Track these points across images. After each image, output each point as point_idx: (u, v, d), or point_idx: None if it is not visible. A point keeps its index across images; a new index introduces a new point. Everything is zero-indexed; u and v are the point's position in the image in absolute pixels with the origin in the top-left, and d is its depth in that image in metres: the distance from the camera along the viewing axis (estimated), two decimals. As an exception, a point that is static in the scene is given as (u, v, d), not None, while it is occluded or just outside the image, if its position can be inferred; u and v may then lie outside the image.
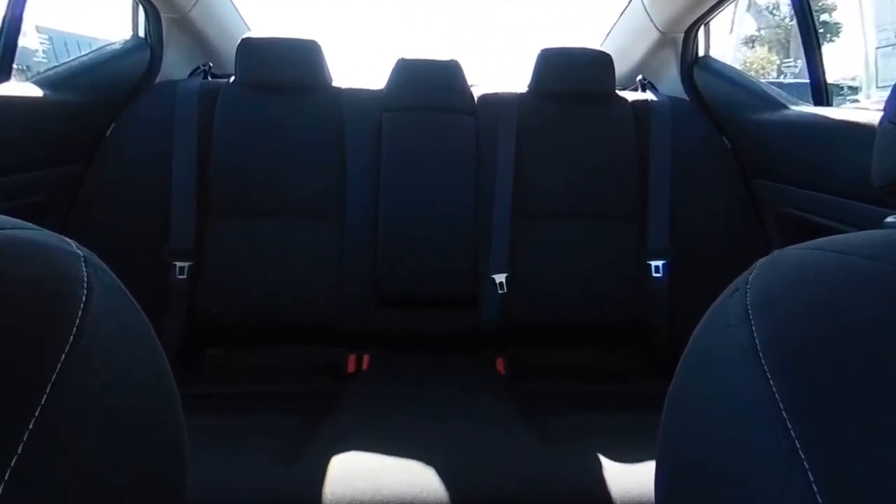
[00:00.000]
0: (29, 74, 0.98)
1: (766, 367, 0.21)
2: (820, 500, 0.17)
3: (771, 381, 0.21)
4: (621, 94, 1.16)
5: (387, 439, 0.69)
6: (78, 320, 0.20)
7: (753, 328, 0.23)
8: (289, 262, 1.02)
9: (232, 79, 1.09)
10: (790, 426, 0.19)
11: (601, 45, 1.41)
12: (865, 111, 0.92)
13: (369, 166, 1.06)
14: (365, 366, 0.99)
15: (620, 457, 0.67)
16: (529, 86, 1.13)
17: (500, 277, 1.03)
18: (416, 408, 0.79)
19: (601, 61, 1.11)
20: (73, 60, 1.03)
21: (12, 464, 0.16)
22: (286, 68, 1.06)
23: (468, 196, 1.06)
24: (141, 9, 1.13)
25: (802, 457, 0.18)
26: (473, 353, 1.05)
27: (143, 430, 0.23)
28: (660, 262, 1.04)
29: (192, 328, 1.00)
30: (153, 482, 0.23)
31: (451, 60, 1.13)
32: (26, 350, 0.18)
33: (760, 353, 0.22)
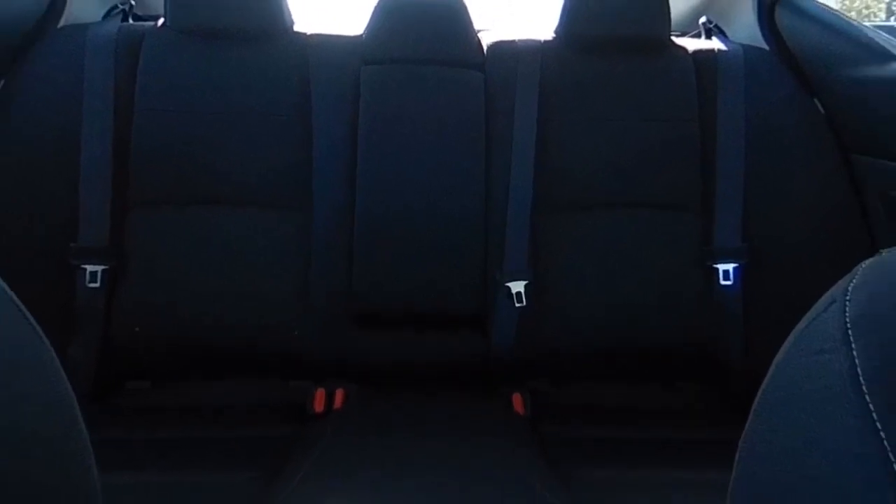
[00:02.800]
0: None
1: (871, 406, 0.21)
2: None
3: (878, 424, 0.21)
4: (679, 41, 1.16)
5: (365, 503, 0.69)
6: None
7: (855, 353, 0.23)
8: (236, 267, 1.02)
9: (161, 22, 1.09)
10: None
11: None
12: None
13: (343, 137, 1.06)
14: (337, 404, 0.99)
15: None
16: (556, 31, 1.14)
17: (517, 287, 1.02)
18: (405, 460, 0.79)
19: (654, 3, 1.11)
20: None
21: None
22: (233, 8, 1.06)
23: (476, 180, 1.06)
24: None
25: None
26: (482, 388, 1.05)
27: (41, 491, 0.23)
28: (730, 266, 1.04)
29: (107, 353, 1.00)
30: None
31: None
32: None
33: (864, 387, 0.22)
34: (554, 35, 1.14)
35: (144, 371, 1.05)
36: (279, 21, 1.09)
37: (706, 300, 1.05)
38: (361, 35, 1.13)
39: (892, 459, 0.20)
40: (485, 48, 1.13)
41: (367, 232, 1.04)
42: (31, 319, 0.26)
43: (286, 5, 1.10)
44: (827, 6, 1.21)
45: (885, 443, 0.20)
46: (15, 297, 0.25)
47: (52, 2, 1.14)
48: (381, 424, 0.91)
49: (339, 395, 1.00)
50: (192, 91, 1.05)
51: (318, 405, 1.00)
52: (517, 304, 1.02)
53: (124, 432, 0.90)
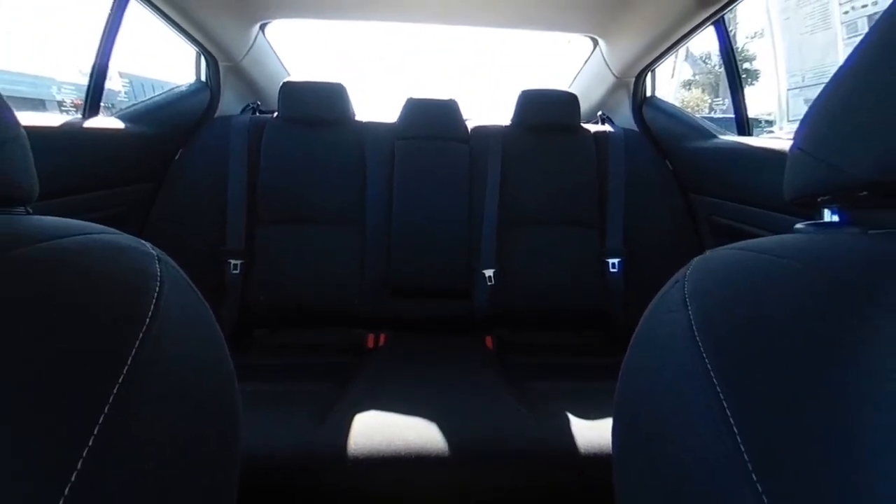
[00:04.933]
0: (113, 111, 0.97)
1: (700, 346, 0.21)
2: (746, 456, 0.17)
3: (704, 357, 0.20)
4: (585, 126, 1.15)
5: (398, 402, 0.68)
6: (152, 308, 0.20)
7: (690, 314, 0.23)
8: (320, 260, 1.01)
9: (276, 114, 1.09)
10: (720, 393, 0.19)
11: (569, 86, 1.41)
12: (779, 140, 0.92)
13: (384, 183, 1.06)
14: (381, 343, 0.99)
15: (585, 415, 0.67)
16: (512, 120, 1.13)
17: (489, 272, 1.02)
18: (423, 377, 0.79)
19: (569, 100, 1.11)
20: (148, 100, 1.02)
21: (97, 427, 0.16)
22: (319, 106, 1.06)
23: (463, 207, 1.06)
24: (203, 58, 1.13)
25: (730, 418, 0.18)
26: (468, 333, 1.04)
27: (207, 397, 0.23)
28: (615, 260, 1.03)
29: (243, 313, 0.99)
30: (214, 439, 0.23)
31: (450, 100, 1.13)
32: (109, 333, 0.18)
33: (696, 334, 0.21)
34: (511, 122, 1.14)
35: (265, 323, 1.05)
36: (346, 114, 1.08)
37: (602, 281, 1.04)
38: (395, 122, 1.13)
39: (713, 375, 0.20)
40: (469, 129, 1.13)
41: (399, 240, 1.04)
42: (198, 293, 0.26)
43: (351, 104, 1.09)
44: (674, 104, 1.21)
45: (709, 367, 0.20)
46: (189, 280, 0.25)
47: (210, 102, 1.14)
48: (407, 356, 0.90)
49: (382, 337, 1.00)
50: (295, 156, 1.04)
51: (370, 343, 0.99)
52: (489, 284, 1.02)
53: (253, 360, 0.89)
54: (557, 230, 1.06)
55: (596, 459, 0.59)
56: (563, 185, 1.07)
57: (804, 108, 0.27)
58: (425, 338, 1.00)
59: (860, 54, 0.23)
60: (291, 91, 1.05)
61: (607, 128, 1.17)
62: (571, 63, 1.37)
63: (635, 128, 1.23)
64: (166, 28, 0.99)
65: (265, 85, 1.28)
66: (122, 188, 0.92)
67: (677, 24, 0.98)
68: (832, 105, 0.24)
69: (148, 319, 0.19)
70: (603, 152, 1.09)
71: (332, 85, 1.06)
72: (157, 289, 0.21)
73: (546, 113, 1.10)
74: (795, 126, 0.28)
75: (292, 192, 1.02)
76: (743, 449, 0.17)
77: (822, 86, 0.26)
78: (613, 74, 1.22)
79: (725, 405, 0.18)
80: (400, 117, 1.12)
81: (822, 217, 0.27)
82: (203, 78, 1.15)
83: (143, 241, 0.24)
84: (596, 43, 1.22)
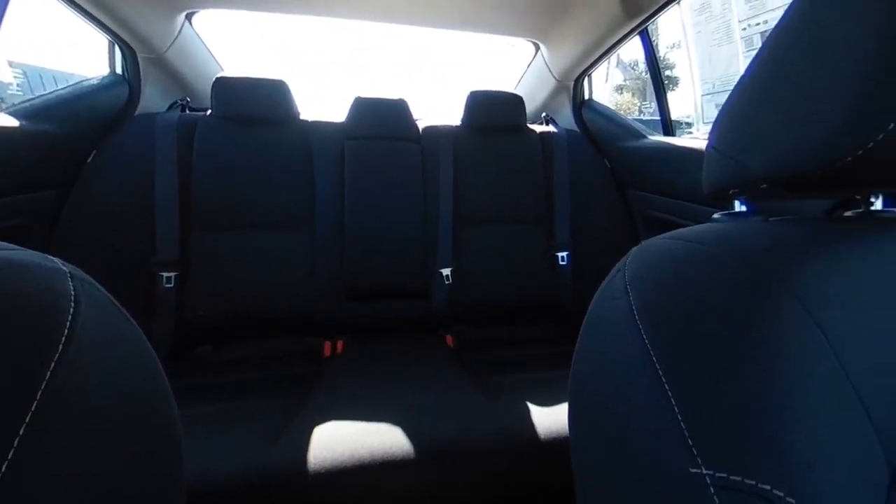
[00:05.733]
0: (3, 106, 0.83)
1: (641, 328, 0.23)
2: (683, 424, 0.19)
3: (645, 338, 0.22)
4: (531, 127, 1.20)
5: (361, 408, 0.66)
6: (66, 331, 0.18)
7: (631, 299, 0.24)
8: (269, 267, 0.95)
9: (209, 112, 1.00)
10: (659, 370, 0.21)
11: (514, 88, 1.46)
12: (697, 139, 1.03)
13: (335, 184, 1.02)
14: (339, 350, 0.95)
15: (543, 403, 0.70)
16: (462, 121, 1.15)
17: (446, 271, 1.03)
18: (384, 379, 0.78)
19: (515, 102, 1.15)
20: (49, 94, 0.88)
21: (7, 461, 0.14)
22: (259, 104, 0.99)
23: (418, 207, 1.06)
24: (118, 48, 1.00)
25: (668, 392, 0.20)
26: (427, 332, 1.04)
27: (136, 423, 0.20)
28: (564, 254, 1.09)
29: (182, 329, 0.90)
30: (151, 469, 0.20)
31: (399, 99, 1.12)
32: (15, 361, 0.16)
33: (637, 317, 0.23)
34: (460, 123, 1.16)
35: (209, 339, 0.96)
36: (290, 113, 1.03)
37: (552, 274, 1.09)
38: (343, 122, 1.09)
39: (652, 354, 0.22)
40: (420, 130, 1.13)
41: (353, 241, 1.00)
42: (123, 311, 0.23)
43: (294, 102, 1.04)
44: (609, 107, 1.30)
45: (648, 346, 0.22)
46: (111, 297, 0.22)
47: (129, 98, 1.01)
48: (367, 360, 0.88)
49: (339, 344, 0.96)
50: (234, 157, 0.96)
51: (327, 352, 0.95)
52: (446, 282, 1.03)
53: (196, 381, 0.81)
54: (509, 227, 1.09)
55: (556, 444, 0.62)
56: (513, 184, 1.10)
57: (715, 112, 0.31)
58: (385, 341, 0.98)
59: (755, 67, 0.26)
60: (226, 87, 0.97)
61: (551, 128, 1.23)
62: (517, 65, 1.43)
63: (576, 128, 1.31)
64: (70, 13, 0.87)
65: (195, 80, 1.17)
66: (22, 196, 0.79)
67: (608, 33, 1.06)
68: (736, 110, 0.28)
69: (61, 345, 0.17)
70: (548, 152, 1.14)
71: (273, 82, 1.00)
72: (72, 309, 0.18)
73: (494, 114, 1.13)
74: (709, 127, 0.31)
75: (232, 195, 0.95)
76: (680, 419, 0.19)
77: (728, 92, 0.29)
78: (555, 78, 1.29)
79: (664, 381, 0.20)
80: (348, 117, 1.08)
81: (733, 207, 0.31)
82: (119, 70, 1.02)
83: (52, 257, 0.21)
84: (537, 47, 1.28)
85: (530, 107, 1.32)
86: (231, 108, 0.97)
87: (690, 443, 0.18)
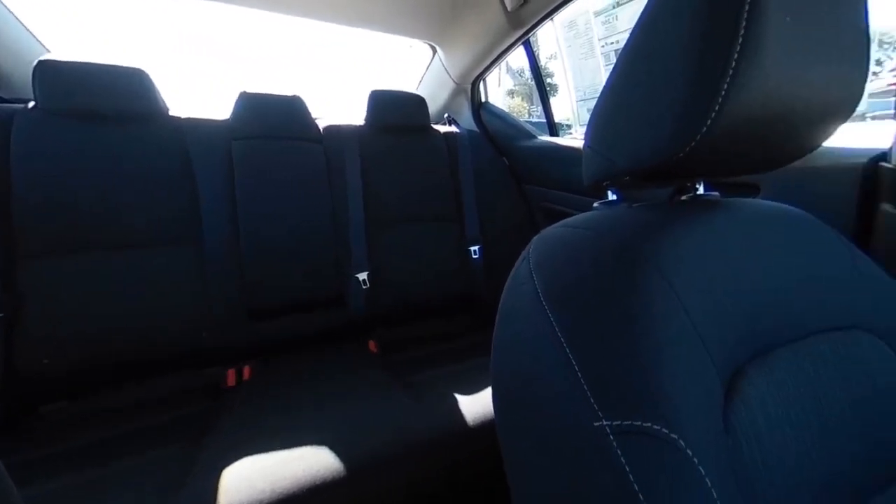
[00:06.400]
0: None
1: (546, 306, 0.25)
2: (585, 385, 0.22)
3: (550, 316, 0.25)
4: (435, 127, 1.23)
5: (279, 436, 0.60)
6: None
7: (536, 283, 0.27)
8: (140, 294, 0.79)
9: (31, 105, 0.78)
10: (563, 340, 0.23)
11: (416, 89, 1.48)
12: (576, 139, 1.19)
13: (223, 190, 0.90)
14: (246, 376, 0.85)
15: (469, 391, 0.73)
16: (366, 120, 1.12)
17: (362, 275, 0.99)
18: (303, 399, 0.71)
19: (418, 102, 1.16)
20: None
21: None
22: (107, 96, 0.81)
23: (326, 211, 1.00)
24: None
25: (573, 361, 0.23)
26: (347, 341, 0.99)
27: None
28: (475, 247, 1.13)
29: (15, 386, 0.69)
30: None
31: (294, 96, 1.03)
32: None
33: (542, 299, 0.26)
34: (364, 122, 1.13)
35: (58, 394, 0.76)
36: (154, 107, 0.86)
37: (466, 267, 1.14)
38: (228, 119, 0.97)
39: (557, 330, 0.24)
40: (321, 129, 1.06)
41: (253, 253, 0.90)
42: None
43: (159, 94, 0.88)
44: (503, 109, 1.41)
45: (554, 324, 0.25)
46: None
47: None
48: (280, 382, 0.80)
49: (246, 370, 0.86)
50: (72, 161, 0.77)
51: (231, 381, 0.84)
52: (364, 287, 0.99)
53: (43, 449, 0.63)
54: (422, 226, 1.11)
55: (485, 429, 0.65)
56: (422, 183, 1.12)
57: (588, 116, 0.36)
58: (300, 357, 0.90)
59: (613, 79, 0.32)
60: (54, 73, 0.77)
61: (454, 129, 1.28)
62: (417, 67, 1.45)
63: (476, 129, 1.39)
64: None
65: (6, 64, 0.90)
66: None
67: (497, 41, 1.14)
68: (602, 115, 0.33)
69: None
70: (453, 151, 1.19)
71: (127, 69, 0.83)
72: None
73: (399, 114, 1.13)
74: (584, 129, 0.36)
75: (79, 210, 0.76)
76: (583, 381, 0.22)
77: (596, 99, 0.34)
78: (453, 80, 1.35)
79: (567, 350, 0.23)
80: (234, 114, 0.96)
81: (607, 197, 0.36)
82: None
83: None
84: (434, 50, 1.32)
85: (433, 108, 1.36)
86: (65, 99, 0.78)
87: (592, 400, 0.21)
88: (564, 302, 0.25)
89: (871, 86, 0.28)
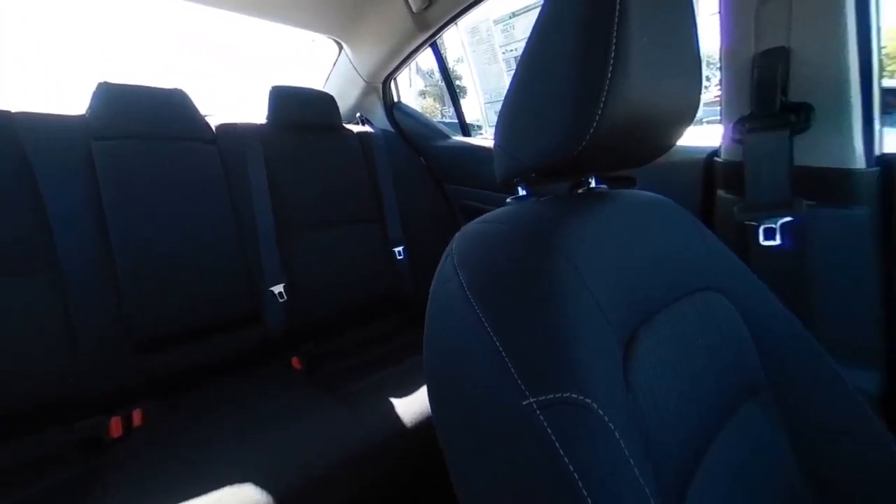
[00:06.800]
0: None
1: (472, 301, 0.27)
2: (512, 368, 0.23)
3: (476, 308, 0.26)
4: (348, 126, 1.19)
5: (187, 483, 0.52)
6: None
7: (461, 279, 0.28)
8: None
9: None
10: (490, 332, 0.25)
11: (323, 86, 1.41)
12: (487, 139, 1.26)
13: (83, 203, 0.74)
14: (138, 422, 0.71)
15: (405, 392, 0.73)
16: (268, 118, 1.03)
17: (278, 288, 0.91)
18: (217, 433, 0.63)
19: (327, 101, 1.11)
20: None
21: None
22: None
23: (227, 219, 0.88)
24: None
25: (500, 349, 0.24)
26: (266, 362, 0.90)
27: None
28: (399, 248, 1.12)
29: None
30: None
31: (175, 90, 0.89)
32: None
33: (467, 293, 0.27)
34: (266, 121, 1.03)
35: None
36: None
37: (391, 269, 1.12)
38: (84, 115, 0.79)
39: (484, 321, 0.26)
40: (213, 128, 0.94)
41: (132, 274, 0.75)
42: None
43: None
44: (416, 110, 1.43)
45: (481, 316, 0.26)
46: None
47: None
48: (186, 421, 0.69)
49: (137, 415, 0.72)
50: None
51: (116, 431, 0.70)
52: (281, 300, 0.91)
53: None
54: (342, 229, 1.06)
55: (423, 428, 0.66)
56: (340, 184, 1.07)
57: (495, 117, 0.39)
58: (209, 387, 0.80)
59: (514, 84, 0.34)
60: None
61: (367, 128, 1.25)
62: (322, 63, 1.37)
63: (391, 129, 1.38)
64: None
65: None
66: None
67: (405, 42, 1.15)
68: (508, 116, 0.36)
69: None
70: (368, 151, 1.16)
71: None
72: None
73: (307, 112, 1.06)
74: (493, 130, 0.39)
75: None
76: (509, 364, 0.23)
77: (501, 102, 0.37)
78: (363, 79, 1.31)
79: (494, 338, 0.25)
80: (93, 109, 0.80)
81: (518, 192, 0.39)
82: None
83: None
84: (341, 46, 1.27)
85: (343, 106, 1.31)
86: None
87: (519, 381, 0.23)
88: (488, 293, 0.27)
89: (704, 97, 0.36)
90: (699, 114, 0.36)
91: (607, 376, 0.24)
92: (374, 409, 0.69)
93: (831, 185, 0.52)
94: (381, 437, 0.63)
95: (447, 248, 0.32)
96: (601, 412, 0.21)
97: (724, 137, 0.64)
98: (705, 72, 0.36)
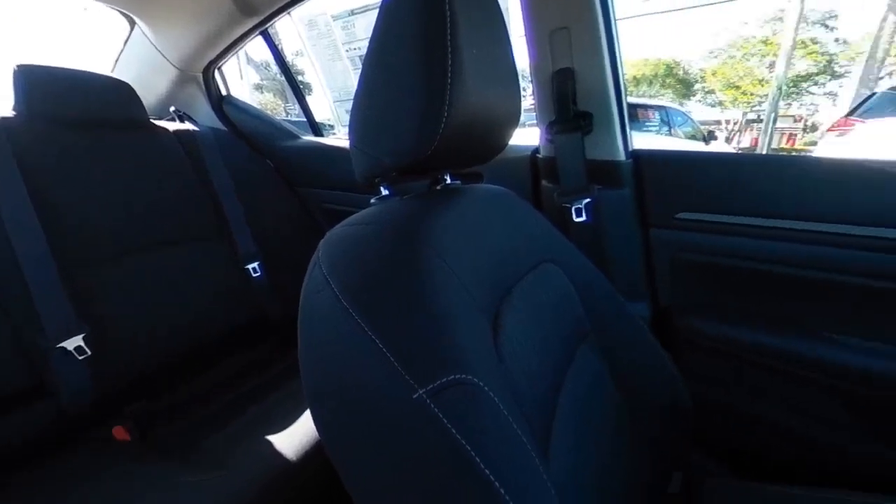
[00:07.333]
0: None
1: (348, 307, 0.26)
2: (397, 364, 0.24)
3: (353, 314, 0.26)
4: (159, 123, 0.96)
5: None
6: None
7: (333, 286, 0.27)
8: None
9: None
10: (368, 331, 0.25)
11: (112, 72, 1.09)
12: (342, 139, 1.22)
13: None
14: None
15: (288, 422, 0.65)
16: (18, 110, 0.73)
17: (73, 343, 0.65)
18: None
19: (122, 89, 0.86)
20: None
21: None
22: None
23: None
24: None
25: (379, 344, 0.24)
26: (66, 446, 0.65)
27: None
28: (255, 265, 0.97)
29: None
30: None
31: None
32: None
33: (342, 300, 0.26)
34: (14, 112, 0.73)
35: None
36: None
37: (248, 289, 0.97)
38: None
39: (362, 324, 0.25)
40: None
41: None
42: None
43: None
44: (254, 106, 1.26)
45: (356, 317, 0.26)
46: None
47: None
48: None
49: None
50: None
51: None
52: (81, 357, 0.67)
53: None
54: (173, 251, 0.85)
55: (312, 456, 0.60)
56: (158, 196, 0.85)
57: (347, 116, 0.38)
58: None
59: (364, 83, 0.34)
60: None
61: (190, 126, 1.03)
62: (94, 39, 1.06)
63: (222, 127, 1.18)
64: None
65: None
66: None
67: (226, 26, 0.99)
68: (362, 116, 0.35)
69: None
70: (195, 153, 0.96)
71: None
72: None
73: (96, 104, 0.81)
74: (347, 129, 0.38)
75: None
76: (394, 361, 0.24)
77: (351, 101, 0.37)
78: (174, 65, 1.07)
79: (377, 341, 0.24)
80: None
81: (381, 192, 0.40)
82: None
83: None
84: (134, 22, 1.00)
85: (149, 98, 1.05)
86: None
87: (406, 375, 0.23)
88: (363, 295, 0.26)
89: (524, 104, 0.44)
90: (522, 118, 0.44)
91: (483, 352, 0.27)
92: (250, 454, 0.59)
93: (609, 173, 0.71)
94: (260, 485, 0.55)
95: (313, 257, 0.31)
96: (483, 385, 0.24)
97: (540, 138, 0.78)
98: (522, 83, 0.44)
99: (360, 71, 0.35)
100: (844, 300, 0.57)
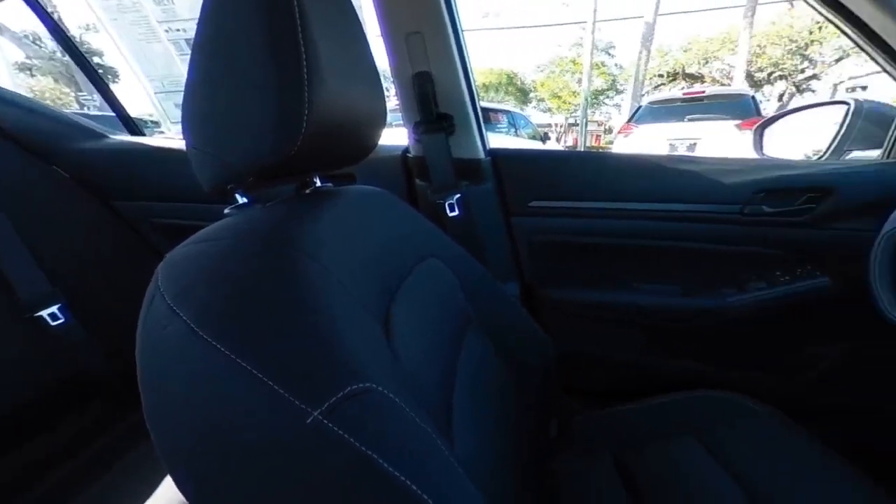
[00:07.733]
0: None
1: (208, 339, 0.22)
2: (286, 394, 0.21)
3: (218, 346, 0.22)
4: None
5: None
6: None
7: (183, 317, 0.22)
8: None
9: None
10: (242, 363, 0.21)
11: None
12: (175, 139, 1.00)
13: None
14: None
15: (143, 496, 0.51)
16: None
17: None
18: None
19: None
20: None
21: None
22: None
23: None
24: None
25: (260, 376, 0.21)
26: None
27: None
28: (54, 309, 0.73)
29: None
30: None
31: None
32: None
33: (197, 331, 0.22)
34: None
35: None
36: None
37: (51, 342, 0.71)
38: None
39: (225, 350, 0.21)
40: None
41: None
42: None
43: None
44: (28, 96, 0.91)
45: (219, 346, 0.22)
46: None
47: None
48: None
49: None
50: None
51: None
52: None
53: None
54: None
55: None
56: None
57: (178, 111, 0.31)
58: None
59: (202, 74, 0.29)
60: None
61: None
62: None
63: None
64: None
65: None
66: None
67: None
68: (200, 112, 0.30)
69: None
70: None
71: None
72: None
73: None
74: (179, 127, 0.31)
75: None
76: (278, 389, 0.21)
77: (182, 93, 0.30)
78: None
79: (250, 369, 0.21)
80: None
81: (237, 201, 0.34)
82: None
83: None
84: None
85: None
86: None
87: (296, 401, 0.21)
88: (225, 321, 0.23)
89: (389, 104, 0.44)
90: (389, 118, 0.44)
91: (377, 355, 0.27)
92: None
93: (473, 169, 0.78)
94: None
95: (150, 286, 0.24)
96: (382, 389, 0.23)
97: (409, 138, 0.81)
98: (384, 83, 0.44)
99: (188, 58, 0.30)
100: (643, 258, 0.77)
